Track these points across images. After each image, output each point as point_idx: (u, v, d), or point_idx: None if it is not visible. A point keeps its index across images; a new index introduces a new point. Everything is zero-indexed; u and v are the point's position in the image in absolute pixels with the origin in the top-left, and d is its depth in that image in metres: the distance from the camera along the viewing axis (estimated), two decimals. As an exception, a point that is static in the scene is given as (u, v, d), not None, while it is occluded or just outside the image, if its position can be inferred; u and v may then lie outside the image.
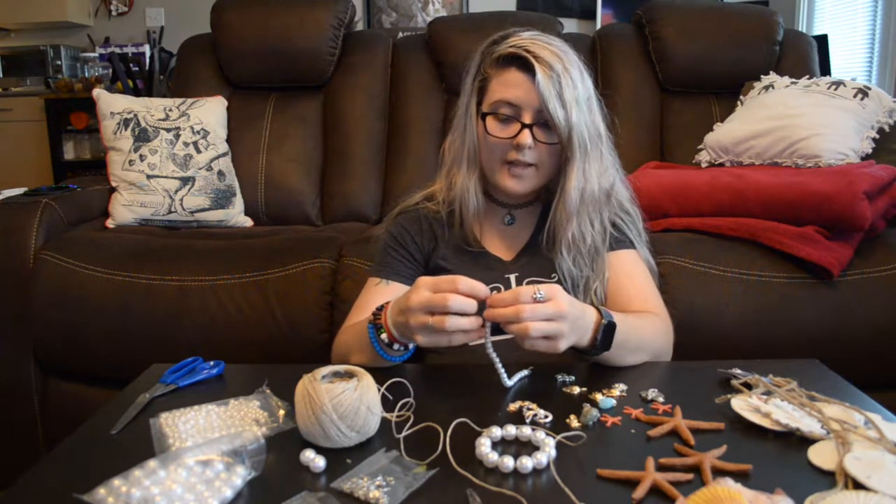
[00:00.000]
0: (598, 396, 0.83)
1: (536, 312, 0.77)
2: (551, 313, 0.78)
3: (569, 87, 0.97)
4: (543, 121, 1.00)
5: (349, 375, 0.76)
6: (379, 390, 0.76)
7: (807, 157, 1.71)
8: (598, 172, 1.03)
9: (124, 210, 1.95)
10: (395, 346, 0.88)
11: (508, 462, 0.67)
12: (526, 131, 0.99)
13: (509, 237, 1.11)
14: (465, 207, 1.07)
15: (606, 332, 0.86)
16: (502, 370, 0.86)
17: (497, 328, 0.82)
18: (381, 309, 0.90)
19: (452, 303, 0.77)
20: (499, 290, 1.03)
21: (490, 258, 1.09)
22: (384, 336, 0.88)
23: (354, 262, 1.53)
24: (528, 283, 0.94)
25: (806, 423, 0.73)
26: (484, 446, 0.69)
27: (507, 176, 1.03)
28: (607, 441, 0.74)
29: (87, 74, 3.96)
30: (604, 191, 1.05)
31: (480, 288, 0.79)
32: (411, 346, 0.90)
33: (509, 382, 0.86)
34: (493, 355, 0.84)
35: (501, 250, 1.10)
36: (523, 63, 0.99)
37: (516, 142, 1.00)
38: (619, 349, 0.90)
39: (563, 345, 0.80)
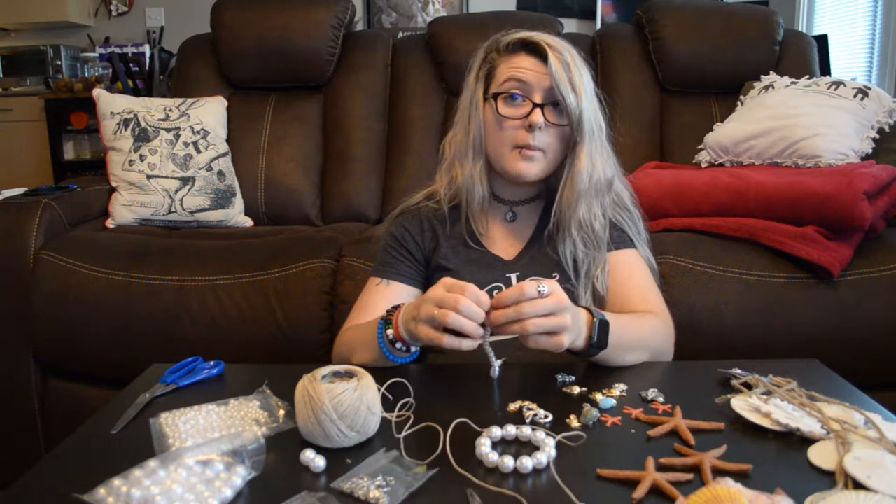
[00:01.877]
0: (598, 396, 0.83)
1: (537, 308, 0.77)
2: (552, 307, 0.78)
3: (577, 75, 1.00)
4: (554, 101, 1.00)
5: (349, 375, 0.76)
6: (379, 390, 0.76)
7: (807, 157, 1.71)
8: (603, 161, 1.05)
9: (124, 210, 1.95)
10: (399, 345, 0.88)
11: (508, 462, 0.67)
12: (538, 110, 1.00)
13: (511, 235, 1.11)
14: (471, 197, 1.07)
15: (601, 329, 0.87)
16: (496, 363, 0.85)
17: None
18: (396, 308, 0.90)
19: (462, 305, 0.78)
20: (500, 289, 1.03)
21: (491, 257, 1.09)
22: (390, 332, 0.88)
23: (354, 262, 1.53)
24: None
25: (806, 423, 0.73)
26: (484, 446, 0.69)
27: (517, 159, 1.02)
28: (607, 441, 0.74)
29: (87, 74, 3.96)
30: (607, 180, 1.06)
31: (482, 298, 0.80)
32: (413, 350, 0.90)
33: (495, 373, 0.85)
34: (489, 350, 0.84)
35: (503, 249, 1.10)
36: (533, 48, 1.01)
37: (528, 121, 1.00)
38: (615, 349, 0.90)
39: (567, 339, 0.80)
